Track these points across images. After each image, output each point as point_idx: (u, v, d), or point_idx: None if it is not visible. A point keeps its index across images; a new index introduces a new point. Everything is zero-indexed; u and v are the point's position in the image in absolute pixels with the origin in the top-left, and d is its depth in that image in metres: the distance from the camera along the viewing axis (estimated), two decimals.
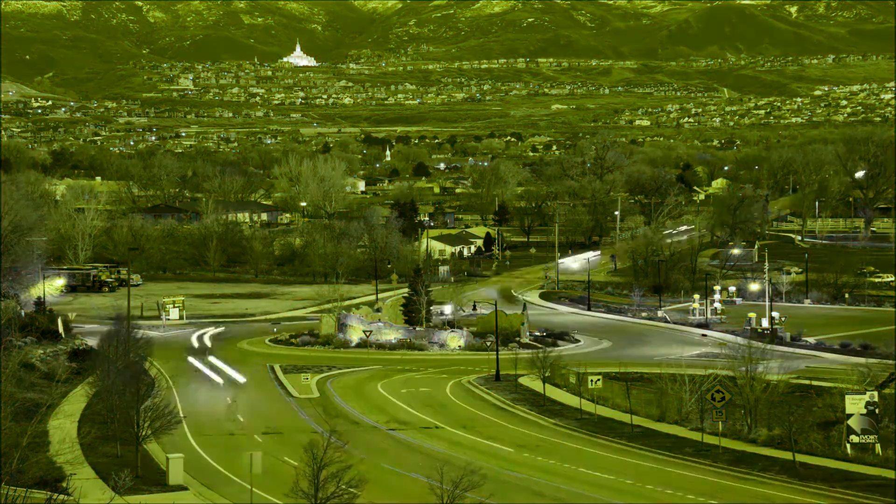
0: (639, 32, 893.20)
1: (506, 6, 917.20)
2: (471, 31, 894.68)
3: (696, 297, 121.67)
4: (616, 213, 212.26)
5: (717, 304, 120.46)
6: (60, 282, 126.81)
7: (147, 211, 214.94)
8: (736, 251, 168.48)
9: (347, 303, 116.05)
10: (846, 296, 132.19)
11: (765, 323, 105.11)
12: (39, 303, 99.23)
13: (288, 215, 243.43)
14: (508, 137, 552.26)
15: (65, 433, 57.16)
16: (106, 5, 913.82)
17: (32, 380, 71.35)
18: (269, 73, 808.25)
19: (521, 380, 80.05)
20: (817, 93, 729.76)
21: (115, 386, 56.65)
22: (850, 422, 55.14)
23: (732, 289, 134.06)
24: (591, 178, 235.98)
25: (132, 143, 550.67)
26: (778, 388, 62.68)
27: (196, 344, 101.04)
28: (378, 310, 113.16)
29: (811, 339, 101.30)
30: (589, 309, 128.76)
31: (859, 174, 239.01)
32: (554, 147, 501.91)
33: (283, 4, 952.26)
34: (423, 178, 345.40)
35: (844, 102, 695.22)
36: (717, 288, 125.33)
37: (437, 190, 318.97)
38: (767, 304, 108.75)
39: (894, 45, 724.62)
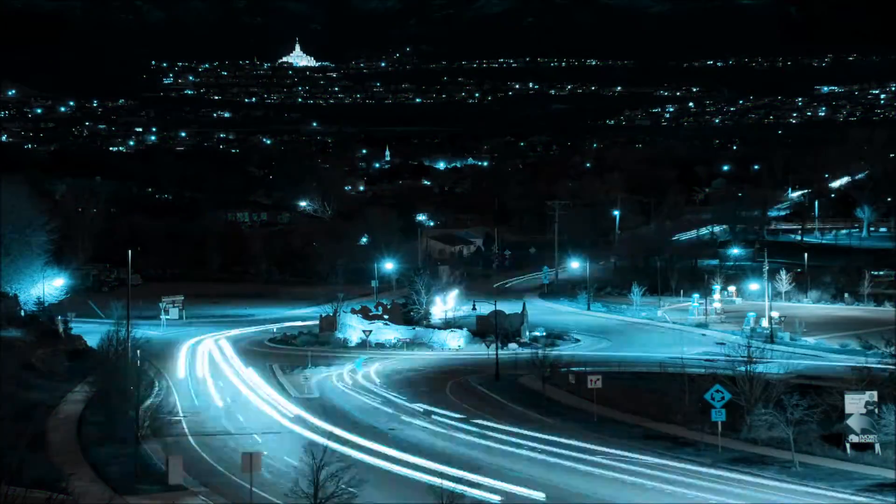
0: (639, 32, 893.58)
1: (506, 6, 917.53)
2: (471, 32, 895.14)
3: (696, 296, 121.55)
4: (616, 212, 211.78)
5: (716, 304, 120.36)
6: (60, 282, 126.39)
7: (147, 211, 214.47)
8: (736, 251, 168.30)
9: (347, 303, 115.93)
10: (846, 296, 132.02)
11: (764, 323, 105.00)
12: (39, 303, 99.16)
13: (288, 215, 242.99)
14: (508, 137, 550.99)
15: (65, 433, 57.17)
16: (106, 5, 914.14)
17: (32, 380, 71.36)
18: (270, 73, 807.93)
19: (520, 379, 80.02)
20: (817, 93, 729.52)
21: (115, 386, 56.68)
22: (850, 422, 55.11)
23: (732, 288, 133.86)
24: (591, 177, 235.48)
25: (132, 143, 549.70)
26: (778, 388, 62.63)
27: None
28: (378, 309, 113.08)
29: (811, 339, 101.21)
30: (588, 308, 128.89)
31: (859, 174, 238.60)
32: (554, 147, 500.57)
33: (283, 4, 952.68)
34: (424, 178, 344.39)
35: (844, 102, 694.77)
36: (717, 287, 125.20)
37: (437, 190, 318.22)
38: (767, 303, 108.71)
39: (894, 45, 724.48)
